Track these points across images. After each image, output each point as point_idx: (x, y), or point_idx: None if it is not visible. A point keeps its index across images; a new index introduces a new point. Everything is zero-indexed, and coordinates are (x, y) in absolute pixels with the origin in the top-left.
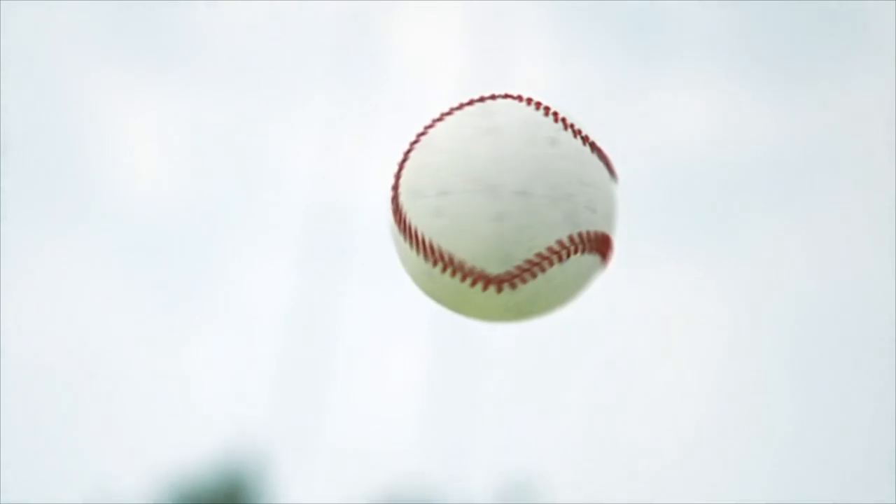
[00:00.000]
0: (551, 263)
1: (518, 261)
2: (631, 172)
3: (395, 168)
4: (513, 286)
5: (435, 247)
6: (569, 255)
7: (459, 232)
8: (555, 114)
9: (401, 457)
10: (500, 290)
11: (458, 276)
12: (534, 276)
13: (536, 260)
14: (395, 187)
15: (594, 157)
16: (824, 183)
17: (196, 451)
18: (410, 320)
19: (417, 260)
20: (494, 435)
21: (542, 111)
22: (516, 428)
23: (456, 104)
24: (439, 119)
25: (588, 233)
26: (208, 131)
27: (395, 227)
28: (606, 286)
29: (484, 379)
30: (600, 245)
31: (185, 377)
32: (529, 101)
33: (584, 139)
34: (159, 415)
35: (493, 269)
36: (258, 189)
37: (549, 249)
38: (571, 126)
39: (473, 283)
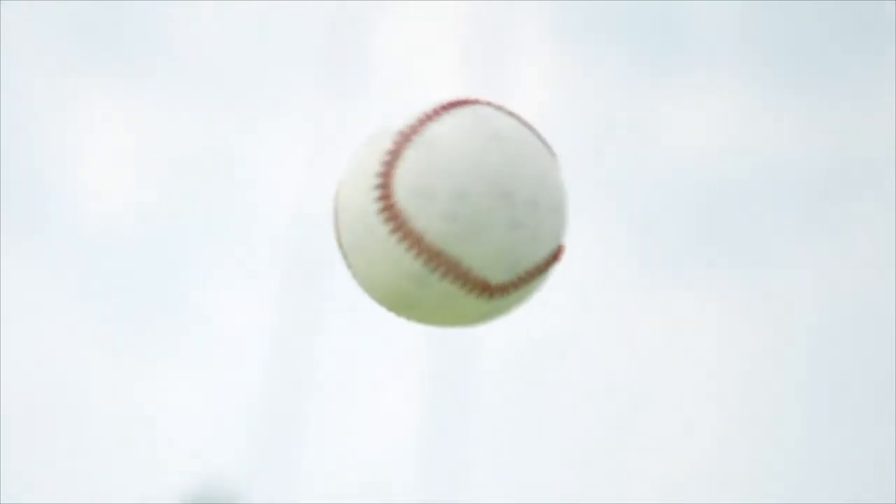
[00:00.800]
0: (541, 273)
1: (521, 271)
2: (635, 185)
3: (377, 166)
4: (505, 293)
5: (439, 252)
6: (550, 266)
7: (473, 238)
8: (528, 124)
9: (387, 493)
10: (492, 296)
11: (459, 282)
12: (526, 284)
13: (534, 270)
14: (386, 186)
15: (559, 164)
16: (852, 200)
17: (165, 491)
18: (398, 345)
19: (411, 264)
20: (490, 470)
21: (517, 119)
22: (513, 462)
23: (437, 104)
24: (429, 119)
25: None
26: (176, 142)
27: (385, 230)
28: (612, 313)
29: (479, 406)
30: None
31: (149, 412)
32: (500, 107)
33: (549, 147)
34: (122, 453)
35: (497, 278)
36: (231, 204)
37: (545, 260)
38: (540, 135)
39: (471, 290)
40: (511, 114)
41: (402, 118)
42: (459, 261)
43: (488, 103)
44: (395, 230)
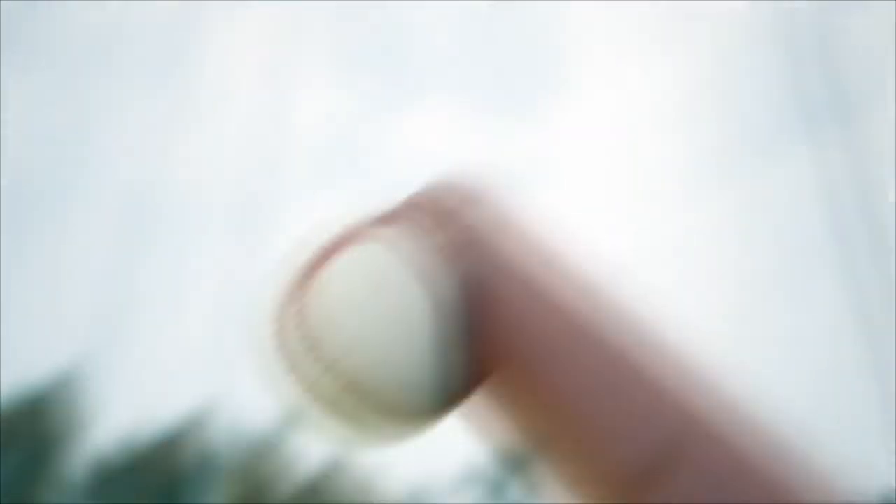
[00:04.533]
0: (436, 415)
1: (412, 418)
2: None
3: (292, 286)
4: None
5: (347, 383)
6: (445, 410)
7: (361, 391)
8: (414, 262)
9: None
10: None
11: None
12: (414, 426)
13: (427, 416)
14: (299, 312)
15: (431, 304)
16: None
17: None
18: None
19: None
20: None
21: (403, 258)
22: None
23: (340, 234)
24: (326, 257)
25: None
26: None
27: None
28: None
29: None
30: None
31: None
32: (389, 243)
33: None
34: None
35: (390, 421)
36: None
37: (440, 406)
38: (425, 274)
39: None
40: (397, 249)
41: (311, 248)
42: (362, 399)
43: (378, 239)
44: (308, 351)
